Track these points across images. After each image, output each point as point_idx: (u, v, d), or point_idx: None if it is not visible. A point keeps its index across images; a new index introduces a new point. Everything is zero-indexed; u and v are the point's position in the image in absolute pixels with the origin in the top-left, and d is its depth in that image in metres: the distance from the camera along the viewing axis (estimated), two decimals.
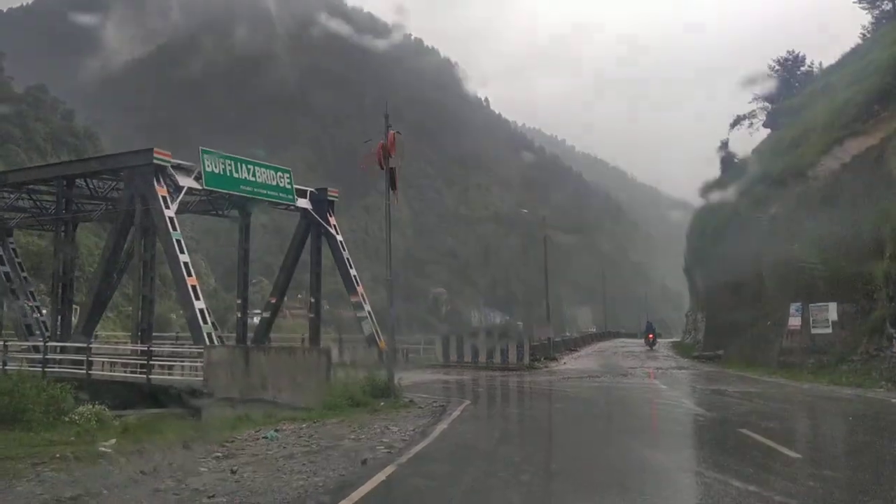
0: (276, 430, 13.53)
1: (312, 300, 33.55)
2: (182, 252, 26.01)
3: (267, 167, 31.38)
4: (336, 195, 34.62)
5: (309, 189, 33.65)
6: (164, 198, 26.69)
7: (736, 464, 8.81)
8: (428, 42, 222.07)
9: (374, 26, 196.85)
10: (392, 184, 19.02)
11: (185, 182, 27.84)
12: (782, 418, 14.60)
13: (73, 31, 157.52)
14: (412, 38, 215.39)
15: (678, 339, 55.73)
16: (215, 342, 24.98)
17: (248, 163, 30.16)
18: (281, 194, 31.62)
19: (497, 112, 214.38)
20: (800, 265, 30.45)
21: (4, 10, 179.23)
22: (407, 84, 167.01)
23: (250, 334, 35.11)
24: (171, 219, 26.33)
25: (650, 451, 10.43)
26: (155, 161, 27.08)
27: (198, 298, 25.40)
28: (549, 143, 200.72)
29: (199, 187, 28.37)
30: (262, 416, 16.33)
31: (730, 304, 36.38)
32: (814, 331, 26.98)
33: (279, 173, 31.74)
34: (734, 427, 12.17)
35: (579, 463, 9.74)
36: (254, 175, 30.16)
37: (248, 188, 29.95)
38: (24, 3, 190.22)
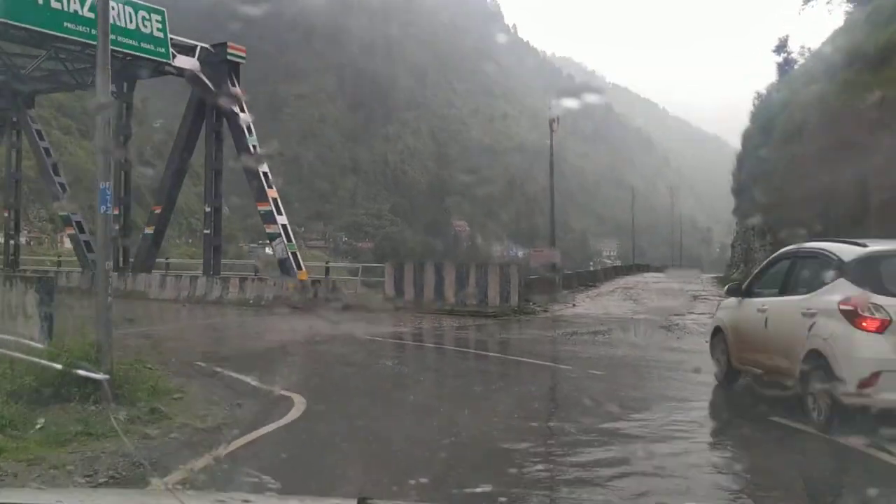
0: None
1: (207, 208, 21.68)
2: None
3: (123, 1, 19.00)
4: (241, 53, 21.53)
5: (199, 44, 21.00)
6: None
7: None
8: None
9: None
10: None
11: None
12: None
13: None
14: None
15: (719, 275, 43.51)
16: None
17: None
18: (144, 44, 19.41)
19: (525, 39, 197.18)
20: None
21: None
22: (434, 12, 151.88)
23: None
24: None
25: None
26: None
27: None
28: (578, 73, 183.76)
29: None
30: None
31: (810, 229, 24.26)
32: None
33: (143, 12, 19.47)
34: None
35: None
36: (91, 10, 18.08)
37: (81, 28, 17.96)
38: None
